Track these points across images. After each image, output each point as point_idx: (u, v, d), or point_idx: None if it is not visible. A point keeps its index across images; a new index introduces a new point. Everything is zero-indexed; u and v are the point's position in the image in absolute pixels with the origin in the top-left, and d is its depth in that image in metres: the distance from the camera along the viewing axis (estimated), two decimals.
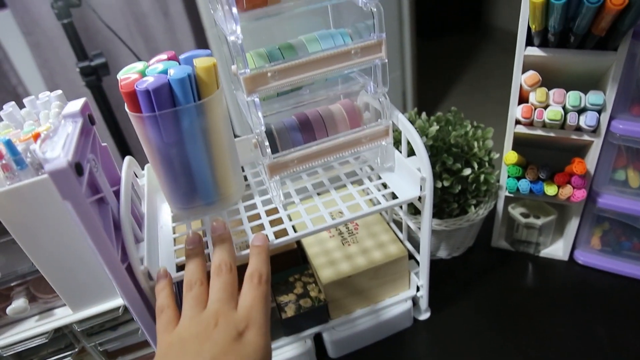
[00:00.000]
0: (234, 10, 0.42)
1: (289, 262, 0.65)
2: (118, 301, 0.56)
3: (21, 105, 0.54)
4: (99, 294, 0.55)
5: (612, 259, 0.72)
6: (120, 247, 0.46)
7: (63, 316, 0.55)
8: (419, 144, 0.52)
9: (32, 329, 0.55)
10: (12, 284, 0.55)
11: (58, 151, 0.36)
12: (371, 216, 0.67)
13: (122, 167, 0.53)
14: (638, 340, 0.61)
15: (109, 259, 0.43)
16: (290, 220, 0.53)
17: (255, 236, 0.47)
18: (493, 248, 0.78)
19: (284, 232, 0.51)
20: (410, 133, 0.53)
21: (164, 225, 0.57)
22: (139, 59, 1.35)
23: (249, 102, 0.46)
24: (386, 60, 0.50)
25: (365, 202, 0.54)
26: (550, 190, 0.63)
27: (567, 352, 0.61)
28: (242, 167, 0.62)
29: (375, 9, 0.46)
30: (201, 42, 1.84)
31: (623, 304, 0.67)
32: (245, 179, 0.62)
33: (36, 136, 0.43)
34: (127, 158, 0.56)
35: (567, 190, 0.62)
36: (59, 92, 0.54)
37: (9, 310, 0.54)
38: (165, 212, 0.59)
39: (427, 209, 0.54)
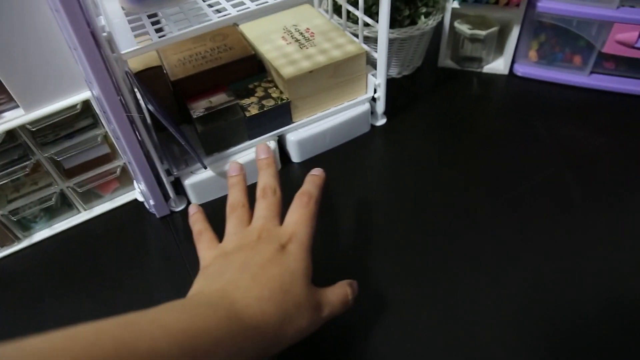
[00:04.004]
0: None
1: (247, 71, 0.65)
2: (75, 98, 0.53)
3: None
4: (54, 90, 0.52)
5: (547, 69, 0.77)
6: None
7: (14, 117, 0.52)
8: None
9: None
10: None
11: None
12: (326, 25, 0.68)
13: None
14: (567, 127, 0.68)
15: (70, 10, 0.40)
16: None
17: (315, 169, 0.49)
18: (440, 67, 0.81)
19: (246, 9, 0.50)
20: None
21: (117, 19, 0.54)
22: None
23: None
24: None
25: None
26: None
27: (511, 141, 0.67)
28: None
29: None
30: None
31: (556, 104, 0.73)
32: None
33: None
34: None
35: None
36: None
37: None
38: (115, 11, 0.55)
39: None
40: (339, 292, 0.43)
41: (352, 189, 0.62)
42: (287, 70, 0.59)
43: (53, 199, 0.61)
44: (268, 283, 0.38)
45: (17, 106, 0.52)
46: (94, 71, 0.44)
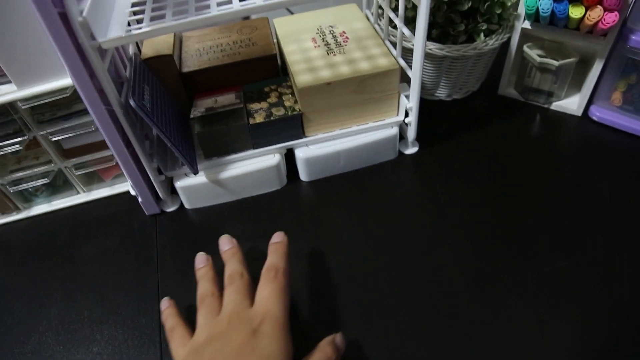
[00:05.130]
0: None
1: (266, 71, 0.58)
2: (66, 81, 0.50)
3: None
4: (46, 71, 0.49)
5: (632, 118, 0.63)
6: None
7: (7, 92, 0.50)
8: None
9: None
10: None
11: None
12: (365, 30, 0.59)
13: None
14: None
15: None
16: None
17: (275, 234, 0.47)
18: (499, 96, 0.70)
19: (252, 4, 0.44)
20: None
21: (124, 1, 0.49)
22: None
23: None
24: None
25: None
26: (576, 11, 0.53)
27: (563, 202, 0.55)
28: None
29: None
30: None
31: (635, 163, 0.59)
32: None
33: None
34: None
35: (596, 13, 0.53)
36: None
37: None
38: None
39: None
40: (320, 358, 0.39)
41: (358, 223, 0.54)
42: (302, 79, 0.52)
43: (49, 177, 0.59)
44: None
45: (9, 81, 0.49)
46: (63, 57, 0.40)
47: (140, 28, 0.43)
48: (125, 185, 0.62)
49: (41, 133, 0.54)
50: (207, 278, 0.45)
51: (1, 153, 0.54)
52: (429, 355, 0.42)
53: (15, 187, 0.59)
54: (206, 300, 0.43)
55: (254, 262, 0.45)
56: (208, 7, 0.45)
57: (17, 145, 0.54)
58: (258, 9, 0.43)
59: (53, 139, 0.55)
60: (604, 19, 0.53)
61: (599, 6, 0.53)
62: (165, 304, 0.47)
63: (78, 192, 0.63)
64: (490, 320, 0.44)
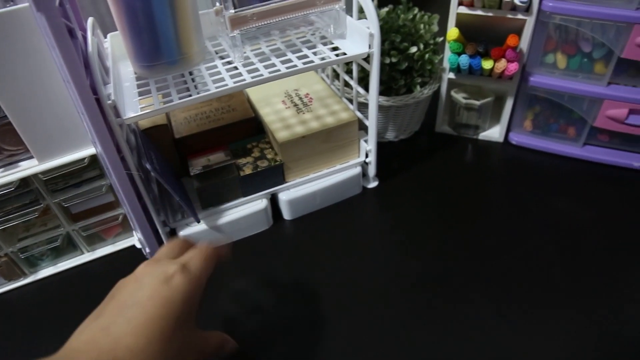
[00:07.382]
0: None
1: (247, 131, 0.69)
2: (84, 152, 0.59)
3: None
4: (65, 145, 0.57)
5: (541, 139, 0.80)
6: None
7: (29, 167, 0.58)
8: (369, 4, 0.56)
9: None
10: None
11: None
12: (325, 91, 0.72)
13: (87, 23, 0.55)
14: (558, 201, 0.70)
15: (79, 82, 0.45)
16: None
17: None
18: (437, 133, 0.85)
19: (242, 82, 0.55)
20: None
21: (127, 82, 0.59)
22: None
23: None
24: None
25: (318, 59, 0.58)
26: (487, 64, 0.69)
27: (500, 210, 0.69)
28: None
29: None
30: None
31: (548, 174, 0.75)
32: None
33: None
34: (90, 18, 0.57)
35: (501, 64, 0.68)
36: None
37: None
38: (128, 74, 0.61)
39: (375, 65, 0.59)
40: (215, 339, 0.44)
41: (334, 248, 0.65)
42: (282, 135, 0.63)
43: (59, 240, 0.65)
44: (147, 329, 0.35)
45: (32, 157, 0.57)
46: (97, 134, 0.49)
47: (152, 105, 0.53)
48: (126, 242, 0.69)
49: (55, 201, 0.62)
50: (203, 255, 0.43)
51: (18, 222, 0.61)
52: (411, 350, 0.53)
53: (25, 254, 0.65)
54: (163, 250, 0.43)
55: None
56: (204, 84, 0.56)
57: (35, 213, 0.61)
58: (248, 84, 0.54)
59: (66, 205, 0.62)
60: (508, 68, 0.69)
61: (503, 59, 0.69)
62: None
63: (82, 252, 0.69)
64: (455, 306, 0.56)
